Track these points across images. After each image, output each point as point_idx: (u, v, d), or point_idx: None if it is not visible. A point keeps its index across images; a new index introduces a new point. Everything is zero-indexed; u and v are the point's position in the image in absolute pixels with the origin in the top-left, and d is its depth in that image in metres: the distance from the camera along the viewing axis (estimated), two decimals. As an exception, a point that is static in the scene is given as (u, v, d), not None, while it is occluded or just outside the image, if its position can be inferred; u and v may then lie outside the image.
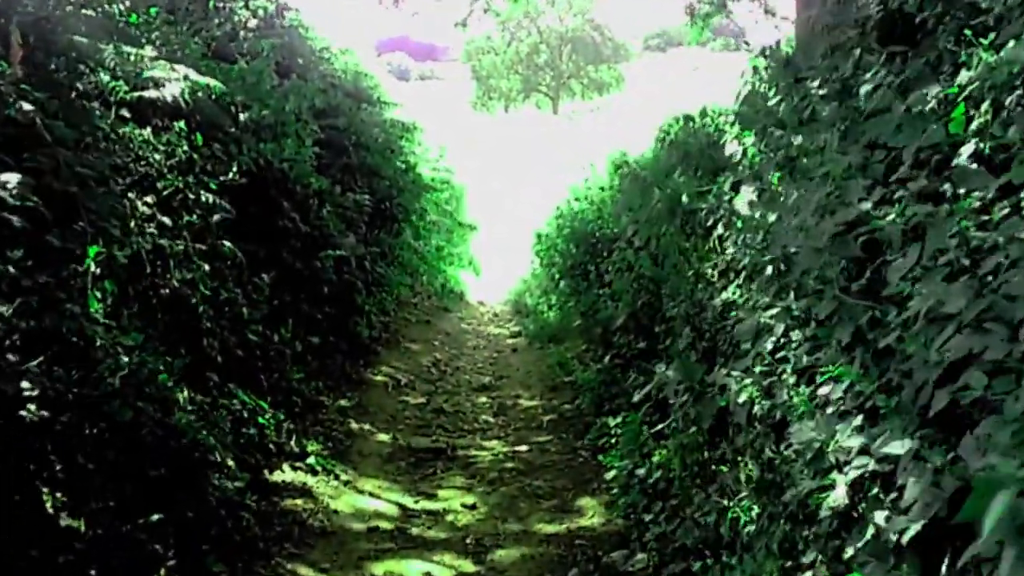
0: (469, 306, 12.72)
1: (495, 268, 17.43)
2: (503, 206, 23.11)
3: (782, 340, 3.72)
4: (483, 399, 7.37)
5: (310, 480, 4.91)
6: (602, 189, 10.62)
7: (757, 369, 3.62)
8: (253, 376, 5.94)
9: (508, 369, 8.55)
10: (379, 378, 7.43)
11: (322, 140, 9.15)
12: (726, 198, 5.79)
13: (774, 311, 3.79)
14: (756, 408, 3.41)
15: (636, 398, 5.83)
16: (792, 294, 3.76)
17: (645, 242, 6.86)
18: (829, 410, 2.64)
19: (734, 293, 4.83)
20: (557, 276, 10.65)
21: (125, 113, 5.14)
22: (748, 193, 5.46)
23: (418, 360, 8.55)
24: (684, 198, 6.51)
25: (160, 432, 4.01)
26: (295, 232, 7.49)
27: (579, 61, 58.07)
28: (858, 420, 2.49)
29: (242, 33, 9.87)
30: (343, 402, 6.52)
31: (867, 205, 2.86)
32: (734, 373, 3.62)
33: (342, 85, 10.34)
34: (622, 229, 7.22)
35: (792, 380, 3.43)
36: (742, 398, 3.47)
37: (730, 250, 5.49)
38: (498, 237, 20.86)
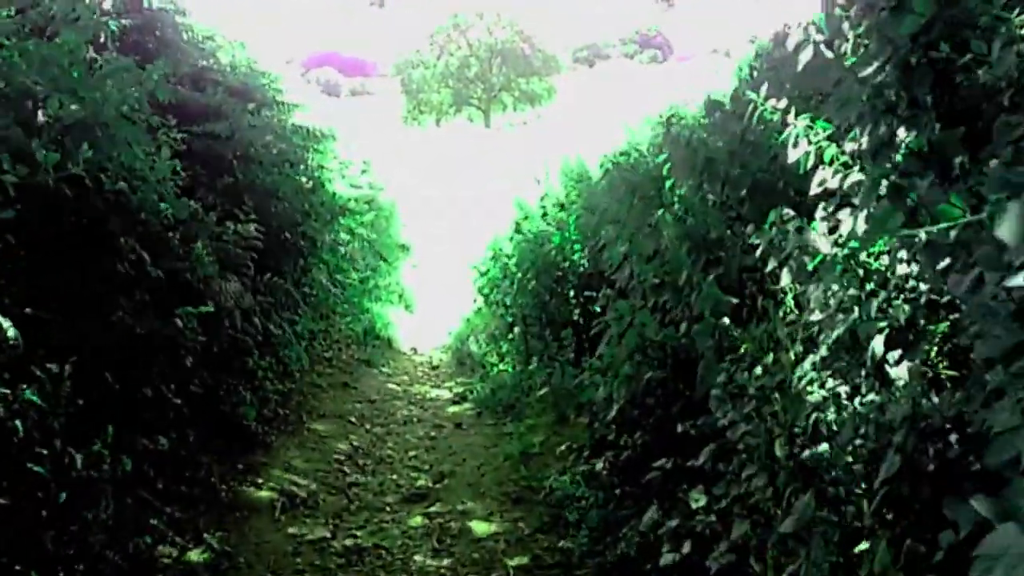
0: (399, 356, 10.35)
1: (431, 298, 15.16)
2: (439, 224, 20.87)
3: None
4: (417, 520, 5.06)
5: None
6: (562, 207, 8.47)
7: None
8: (26, 536, 3.57)
9: (452, 460, 6.25)
10: (264, 493, 5.08)
11: (194, 151, 6.83)
12: (791, 227, 3.71)
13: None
14: None
15: (666, 559, 3.63)
16: None
17: (651, 289, 4.68)
18: None
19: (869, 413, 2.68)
20: (510, 319, 8.43)
21: None
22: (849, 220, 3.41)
23: (327, 451, 6.20)
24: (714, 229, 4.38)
25: None
26: (138, 281, 5.15)
27: (510, 73, 57.23)
28: None
29: (96, 15, 7.49)
30: (195, 554, 4.16)
31: None
32: None
33: (226, 82, 7.97)
34: (611, 259, 5.03)
35: None
36: None
37: (816, 315, 3.38)
38: (434, 259, 18.68)
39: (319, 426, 6.66)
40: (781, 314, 3.49)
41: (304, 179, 8.57)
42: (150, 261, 5.24)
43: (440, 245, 18.60)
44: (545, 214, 8.25)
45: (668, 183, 5.34)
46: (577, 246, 7.39)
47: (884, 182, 2.94)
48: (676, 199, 5.09)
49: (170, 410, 5.16)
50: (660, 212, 4.88)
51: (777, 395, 3.24)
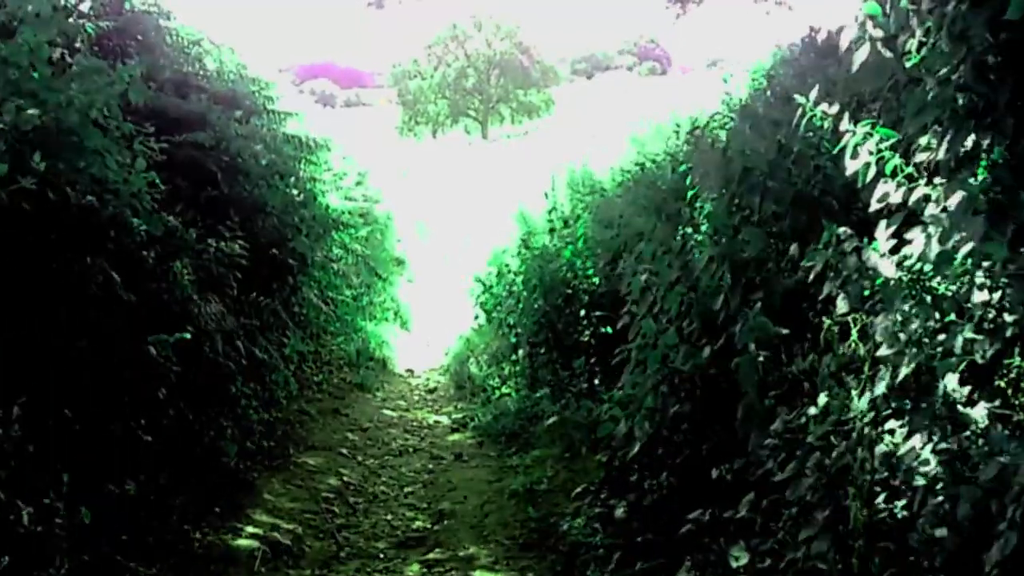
0: (394, 378, 9.80)
1: (429, 314, 14.66)
2: (437, 238, 20.40)
3: None
4: (414, 568, 4.54)
5: None
6: (565, 224, 8.00)
7: None
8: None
9: (452, 497, 5.72)
10: (244, 541, 4.56)
11: (175, 162, 6.36)
12: (848, 247, 3.26)
13: None
14: None
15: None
16: None
17: (678, 316, 4.19)
18: None
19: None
20: (514, 339, 7.94)
21: None
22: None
23: (315, 487, 5.69)
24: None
25: None
26: (108, 305, 4.68)
27: (507, 85, 56.91)
28: None
29: (72, 16, 7.04)
30: (161, 621, 3.64)
31: None
32: None
33: (212, 88, 7.49)
34: (633, 289, 4.53)
35: None
36: None
37: (884, 349, 2.91)
38: (432, 274, 18.24)
39: (307, 459, 6.13)
40: (849, 347, 2.99)
41: (295, 191, 8.09)
42: (121, 283, 4.77)
43: (438, 259, 18.12)
44: (553, 229, 7.77)
45: (690, 194, 4.87)
46: (589, 263, 6.91)
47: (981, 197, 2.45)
48: (703, 215, 4.62)
49: (140, 448, 4.66)
50: (686, 230, 4.41)
51: (843, 444, 2.75)
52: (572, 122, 40.84)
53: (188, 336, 4.92)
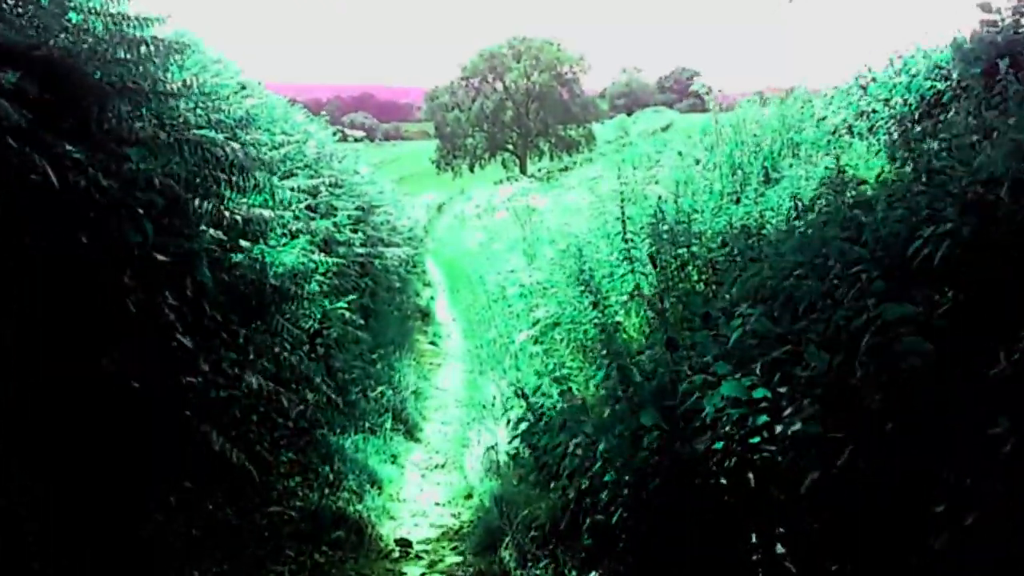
0: (374, 566, 5.45)
1: (453, 386, 10.95)
2: (473, 283, 16.86)
3: None
4: None
5: None
6: (706, 320, 4.22)
7: None
8: None
9: None
10: None
11: None
12: None
13: None
14: None
15: None
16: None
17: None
18: None
19: None
20: (590, 541, 4.14)
21: None
22: None
23: None
24: None
25: None
26: None
27: (546, 119, 54.68)
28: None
29: None
30: None
31: None
32: None
33: (20, 41, 3.86)
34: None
35: None
36: None
37: None
38: (464, 327, 14.67)
39: None
40: None
41: (210, 235, 4.43)
42: None
43: (476, 309, 14.40)
44: (674, 342, 3.93)
45: None
46: (734, 411, 3.10)
47: None
48: None
49: None
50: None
51: None
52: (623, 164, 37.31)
53: None
